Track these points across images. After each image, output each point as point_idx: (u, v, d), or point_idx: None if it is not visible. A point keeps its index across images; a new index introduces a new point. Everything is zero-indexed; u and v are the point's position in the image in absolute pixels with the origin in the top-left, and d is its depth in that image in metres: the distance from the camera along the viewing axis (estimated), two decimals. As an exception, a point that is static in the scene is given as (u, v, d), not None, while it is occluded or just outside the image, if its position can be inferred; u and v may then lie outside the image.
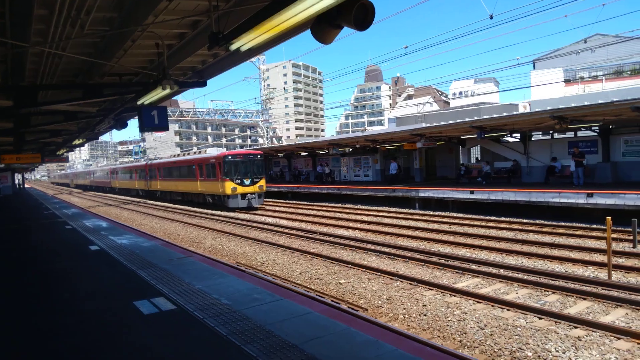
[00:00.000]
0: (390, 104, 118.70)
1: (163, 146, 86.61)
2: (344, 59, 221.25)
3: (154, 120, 9.53)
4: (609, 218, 9.22)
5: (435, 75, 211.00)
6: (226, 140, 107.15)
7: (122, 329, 5.06)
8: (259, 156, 26.60)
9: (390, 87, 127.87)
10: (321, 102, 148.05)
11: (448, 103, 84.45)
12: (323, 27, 4.30)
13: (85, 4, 6.30)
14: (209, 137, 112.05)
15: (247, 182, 25.34)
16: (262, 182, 26.15)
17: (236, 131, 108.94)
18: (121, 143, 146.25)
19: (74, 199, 45.66)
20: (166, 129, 10.02)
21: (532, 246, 12.12)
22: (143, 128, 9.61)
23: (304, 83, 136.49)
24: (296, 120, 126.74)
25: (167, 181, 34.52)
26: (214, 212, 25.37)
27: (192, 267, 8.11)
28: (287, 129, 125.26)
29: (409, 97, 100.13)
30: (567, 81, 50.75)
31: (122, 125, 13.96)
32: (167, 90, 8.18)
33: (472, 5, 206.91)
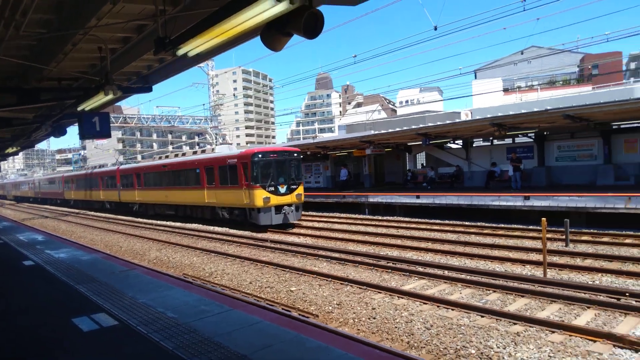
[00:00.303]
0: (340, 112, 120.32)
1: (102, 154, 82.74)
2: (294, 67, 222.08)
3: (96, 127, 9.16)
4: (543, 219, 9.83)
5: (383, 83, 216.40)
6: (172, 147, 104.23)
7: (59, 346, 4.79)
8: (295, 154, 20.14)
9: (340, 95, 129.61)
10: (272, 108, 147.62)
11: (395, 111, 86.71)
12: (273, 34, 4.30)
13: (21, 4, 5.96)
14: (154, 144, 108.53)
15: (282, 189, 18.90)
16: (300, 189, 19.71)
17: (184, 138, 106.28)
18: (59, 151, 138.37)
19: (6, 212, 42.76)
20: (108, 136, 9.64)
21: (474, 247, 12.66)
22: (84, 135, 9.23)
23: (254, 89, 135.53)
24: (246, 127, 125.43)
25: (153, 191, 27.02)
26: (158, 222, 24.54)
27: (136, 280, 7.82)
28: (237, 136, 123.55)
29: (359, 105, 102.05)
30: (505, 90, 53.76)
31: (60, 132, 13.25)
32: (110, 96, 7.88)
33: (417, 17, 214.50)
